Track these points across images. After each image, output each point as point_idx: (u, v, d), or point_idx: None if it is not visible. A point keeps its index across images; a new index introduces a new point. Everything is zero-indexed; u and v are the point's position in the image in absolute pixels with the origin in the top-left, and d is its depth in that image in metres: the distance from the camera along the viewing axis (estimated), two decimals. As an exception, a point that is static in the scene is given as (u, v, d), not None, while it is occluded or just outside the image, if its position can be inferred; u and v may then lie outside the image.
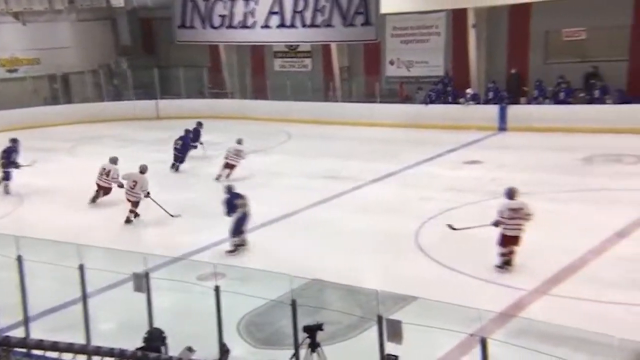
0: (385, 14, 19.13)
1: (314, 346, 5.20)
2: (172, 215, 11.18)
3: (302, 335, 5.23)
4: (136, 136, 19.42)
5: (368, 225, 10.27)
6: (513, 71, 18.20)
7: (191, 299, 7.01)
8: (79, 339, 5.91)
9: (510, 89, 17.93)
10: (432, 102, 18.48)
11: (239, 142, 14.34)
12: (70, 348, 2.43)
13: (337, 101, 20.84)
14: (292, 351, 5.40)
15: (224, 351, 5.79)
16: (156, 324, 5.69)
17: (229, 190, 9.88)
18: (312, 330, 5.17)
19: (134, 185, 11.24)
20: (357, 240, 9.62)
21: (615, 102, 15.98)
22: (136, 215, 11.17)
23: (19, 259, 6.25)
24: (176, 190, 13.09)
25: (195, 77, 22.99)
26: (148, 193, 11.25)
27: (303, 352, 5.24)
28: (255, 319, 7.05)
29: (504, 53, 18.48)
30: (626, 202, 10.28)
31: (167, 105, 22.56)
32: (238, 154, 14.07)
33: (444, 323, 5.16)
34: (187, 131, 15.59)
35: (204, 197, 12.41)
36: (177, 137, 15.27)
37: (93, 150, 17.59)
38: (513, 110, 17.15)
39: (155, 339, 4.81)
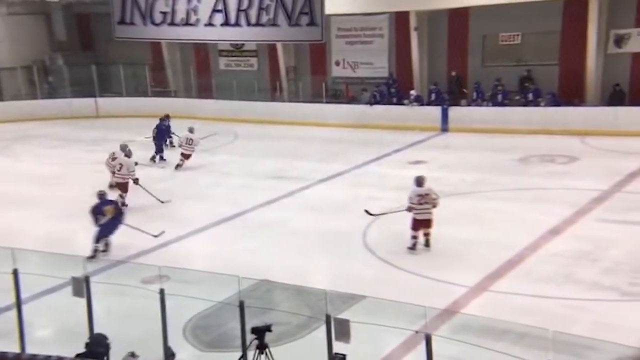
0: (330, 15, 19.28)
1: (262, 347, 5.18)
2: (162, 202, 11.37)
3: (250, 336, 5.20)
4: (73, 135, 18.67)
5: (316, 225, 10.33)
6: (453, 73, 18.79)
7: (135, 303, 6.81)
8: (13, 348, 5.63)
9: (451, 91, 18.51)
10: (376, 102, 18.79)
11: (191, 130, 14.61)
12: (3, 356, 2.32)
13: (284, 101, 20.82)
14: (240, 353, 5.35)
15: (169, 355, 5.67)
16: (97, 330, 5.48)
17: (100, 196, 9.50)
18: (260, 332, 5.15)
19: (120, 168, 11.51)
20: (306, 240, 9.66)
21: (547, 105, 16.81)
22: (123, 203, 11.03)
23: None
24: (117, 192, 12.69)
25: (137, 74, 22.33)
26: (136, 179, 11.48)
27: (251, 353, 5.20)
28: (201, 321, 6.94)
29: (444, 56, 19.05)
30: (559, 201, 10.83)
31: (106, 103, 21.82)
32: (190, 142, 14.41)
33: (390, 321, 5.27)
34: (161, 119, 15.73)
35: (145, 199, 12.07)
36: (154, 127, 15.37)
37: (27, 150, 16.78)
38: (454, 111, 17.71)
39: (98, 344, 4.64)
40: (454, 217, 10.24)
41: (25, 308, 6.03)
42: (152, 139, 15.49)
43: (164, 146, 15.63)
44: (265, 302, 6.87)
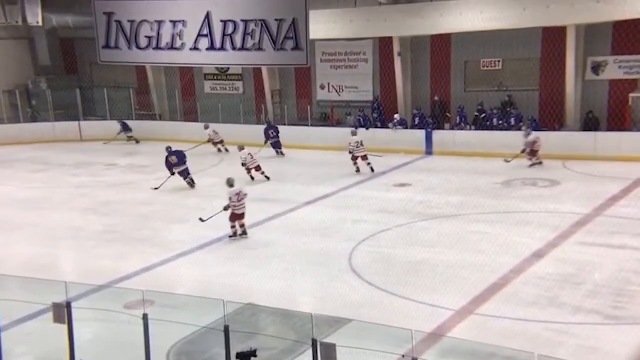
0: (315, 40, 19.54)
1: (248, 373, 5.10)
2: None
3: (236, 362, 5.13)
4: (57, 159, 18.47)
5: (302, 248, 10.29)
6: (436, 98, 19.09)
7: (118, 329, 6.68)
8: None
9: (434, 115, 18.77)
10: (361, 126, 18.96)
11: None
12: None
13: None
14: (226, 380, 5.27)
15: (153, 383, 5.55)
16: (79, 357, 5.37)
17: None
18: (246, 357, 5.08)
19: None
20: (292, 263, 9.61)
21: (528, 129, 17.11)
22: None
23: None
24: (98, 215, 12.55)
25: (122, 98, 22.29)
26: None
27: (237, 380, 5.12)
28: (186, 347, 6.82)
29: (427, 81, 19.37)
30: (542, 224, 10.96)
31: (90, 126, 21.70)
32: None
33: (377, 344, 5.24)
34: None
35: (128, 222, 11.96)
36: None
37: (10, 174, 16.54)
38: (438, 135, 17.94)
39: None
40: (439, 240, 10.30)
41: (3, 335, 5.88)
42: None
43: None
44: (251, 327, 6.78)
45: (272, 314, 7.26)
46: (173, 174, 14.69)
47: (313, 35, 18.76)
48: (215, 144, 18.88)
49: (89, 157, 18.62)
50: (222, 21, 20.52)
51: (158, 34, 21.22)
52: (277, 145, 18.15)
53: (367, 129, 18.71)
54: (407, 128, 18.68)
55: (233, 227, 10.88)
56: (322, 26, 18.61)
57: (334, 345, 4.82)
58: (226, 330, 5.24)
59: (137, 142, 20.79)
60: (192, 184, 14.84)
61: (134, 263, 9.67)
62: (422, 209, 12.15)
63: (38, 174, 16.72)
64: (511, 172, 15.08)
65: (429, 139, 17.94)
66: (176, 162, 14.80)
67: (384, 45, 19.38)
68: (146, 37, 21.41)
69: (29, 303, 5.95)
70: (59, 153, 19.32)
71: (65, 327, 5.61)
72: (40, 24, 21.78)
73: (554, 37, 17.18)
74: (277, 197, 13.66)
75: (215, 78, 22.57)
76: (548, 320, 7.35)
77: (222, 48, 20.66)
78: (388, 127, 18.76)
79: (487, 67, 18.66)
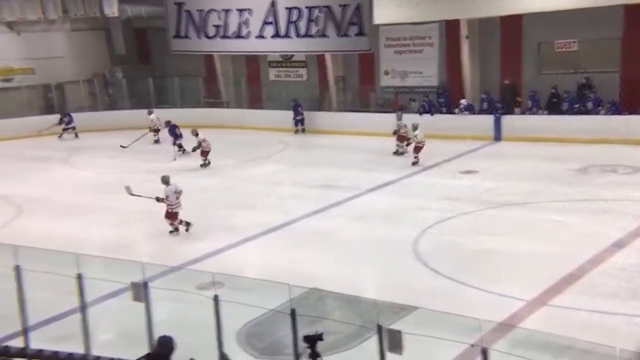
0: (378, 25, 19.26)
1: (314, 356, 5.15)
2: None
3: (302, 345, 5.19)
4: (131, 146, 19.31)
5: (366, 234, 10.26)
6: (506, 82, 18.34)
7: (190, 308, 6.95)
8: (78, 349, 5.84)
9: (504, 100, 18.06)
10: (425, 112, 18.57)
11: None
12: (70, 358, 2.41)
13: (332, 110, 20.91)
14: (293, 361, 5.35)
15: (224, 361, 5.73)
16: (156, 334, 5.62)
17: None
18: (312, 340, 5.13)
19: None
20: (355, 249, 9.61)
21: (607, 113, 16.12)
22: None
23: (17, 269, 6.17)
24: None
25: (191, 86, 22.98)
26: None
27: (303, 362, 5.19)
28: (254, 328, 7.00)
29: (497, 64, 18.62)
30: (623, 213, 10.33)
31: (162, 114, 22.52)
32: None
33: (444, 333, 5.14)
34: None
35: (196, 207, 12.33)
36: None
37: (88, 160, 17.52)
38: (507, 120, 17.26)
39: (164, 346, 4.79)
40: (508, 228, 9.96)
41: (88, 311, 6.26)
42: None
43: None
44: (316, 311, 6.84)
45: (336, 299, 7.29)
46: (178, 144, 16.93)
47: (377, 20, 18.82)
48: (156, 130, 19.26)
49: (159, 143, 19.37)
50: (286, 8, 20.91)
51: (225, 22, 21.96)
52: (302, 123, 19.74)
53: (431, 114, 18.31)
54: (473, 113, 18.11)
55: (172, 224, 10.69)
56: (386, 10, 18.33)
57: (399, 332, 4.77)
58: (293, 313, 5.31)
59: (76, 135, 20.86)
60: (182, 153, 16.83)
61: (203, 246, 10.00)
62: (489, 196, 11.77)
63: (113, 159, 17.59)
64: (588, 158, 14.29)
65: (497, 124, 17.31)
66: (180, 134, 16.90)
67: (450, 28, 18.79)
68: (214, 25, 22.22)
69: (110, 282, 6.27)
70: (133, 139, 20.18)
71: (143, 305, 5.89)
72: (116, 14, 22.82)
73: (636, 14, 16.00)
74: (340, 184, 13.67)
75: (280, 65, 22.78)
76: (630, 313, 6.93)
77: (287, 35, 21.06)
78: (454, 113, 18.25)
79: (562, 48, 17.67)
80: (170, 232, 10.74)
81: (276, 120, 20.50)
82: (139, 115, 21.80)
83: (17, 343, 6.07)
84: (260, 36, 21.36)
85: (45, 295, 6.92)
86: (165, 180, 10.84)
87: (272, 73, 23.01)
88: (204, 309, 5.84)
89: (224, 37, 21.95)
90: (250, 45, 21.73)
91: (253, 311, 6.48)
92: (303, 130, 19.81)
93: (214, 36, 22.18)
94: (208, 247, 9.82)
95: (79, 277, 6.02)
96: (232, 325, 6.53)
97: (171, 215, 10.76)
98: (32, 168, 16.28)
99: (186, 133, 16.59)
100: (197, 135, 15.71)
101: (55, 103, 22.26)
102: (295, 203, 12.45)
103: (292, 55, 22.17)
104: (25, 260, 6.21)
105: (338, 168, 15.14)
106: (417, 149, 15.00)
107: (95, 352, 5.64)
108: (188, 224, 10.77)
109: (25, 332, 6.30)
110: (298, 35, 20.66)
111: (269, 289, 6.35)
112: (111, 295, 7.02)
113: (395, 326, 5.09)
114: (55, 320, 7.12)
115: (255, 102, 22.15)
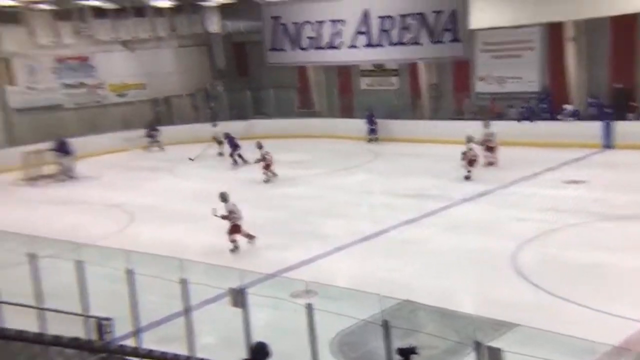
0: (475, 30, 18.66)
1: (408, 369, 5.03)
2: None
3: (395, 357, 5.09)
4: (227, 156, 20.12)
5: (460, 245, 9.91)
6: (618, 85, 16.99)
7: (285, 316, 7.07)
8: (183, 351, 6.10)
9: (615, 105, 16.74)
10: (525, 118, 17.67)
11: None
12: (177, 358, 2.51)
13: (424, 119, 20.54)
14: (385, 373, 5.26)
15: (318, 369, 5.74)
16: (253, 340, 5.78)
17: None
18: (407, 353, 5.01)
19: None
20: (449, 261, 9.31)
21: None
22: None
23: (129, 273, 6.62)
24: (263, 209, 13.39)
25: (285, 97, 23.63)
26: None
27: (396, 375, 5.07)
28: (347, 338, 6.97)
29: (606, 66, 17.33)
30: None
31: (257, 124, 23.34)
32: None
33: (548, 353, 4.80)
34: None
35: (289, 216, 12.58)
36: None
37: (190, 170, 18.49)
38: (620, 126, 15.96)
39: (260, 352, 4.89)
40: (621, 242, 9.17)
41: (192, 315, 6.53)
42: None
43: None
44: (409, 324, 6.70)
45: (431, 312, 7.09)
46: (238, 154, 17.87)
47: (474, 24, 18.25)
48: (219, 142, 19.54)
49: (255, 153, 20.01)
50: (379, 17, 20.89)
51: (319, 34, 22.39)
52: (374, 132, 20.06)
53: (531, 121, 17.39)
54: (579, 119, 16.96)
55: (234, 241, 10.40)
56: (484, 14, 17.75)
57: (499, 350, 4.53)
58: (385, 324, 5.23)
59: (162, 148, 21.60)
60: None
61: (296, 254, 10.14)
62: (599, 208, 10.92)
63: (212, 169, 18.45)
64: None
65: (607, 130, 16.07)
66: (238, 145, 17.86)
67: (553, 30, 17.79)
68: (308, 37, 22.74)
69: (211, 287, 6.54)
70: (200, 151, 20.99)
71: (241, 311, 6.08)
72: (218, 30, 24.05)
73: None
74: (431, 193, 13.35)
75: (371, 74, 22.80)
76: None
77: (379, 44, 21.02)
78: (557, 119, 17.21)
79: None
80: (231, 250, 10.39)
81: (366, 129, 20.48)
82: (236, 126, 22.74)
83: (130, 343, 6.49)
84: (353, 46, 21.53)
85: (154, 298, 7.35)
86: (224, 198, 10.58)
87: (364, 82, 23.07)
88: (297, 316, 5.92)
89: (318, 48, 22.38)
90: (342, 55, 21.96)
91: (345, 320, 6.47)
92: (376, 139, 19.95)
93: (308, 48, 22.69)
94: (301, 256, 9.95)
95: (183, 282, 6.34)
96: (325, 333, 6.56)
97: (235, 229, 10.48)
98: (142, 178, 17.45)
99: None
100: (260, 147, 15.81)
101: (162, 116, 23.79)
102: (386, 212, 12.32)
103: (384, 64, 22.11)
104: (137, 264, 6.66)
105: (430, 177, 14.81)
106: (472, 162, 14.27)
107: (198, 354, 5.88)
108: (251, 237, 10.61)
109: (137, 332, 6.75)
110: (391, 44, 20.56)
111: (361, 298, 6.32)
112: (212, 300, 7.29)
113: (494, 343, 4.85)
114: (162, 323, 7.47)
115: (346, 111, 22.31)
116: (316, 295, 6.47)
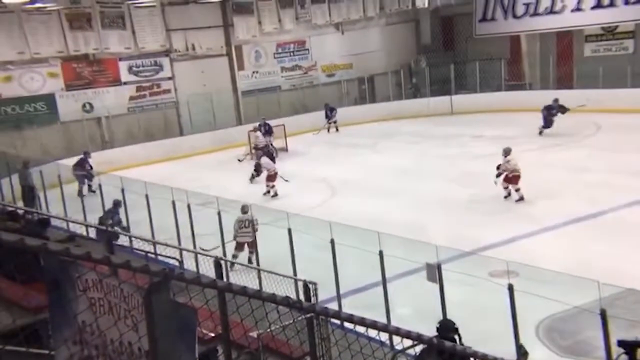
0: None
1: (632, 365, 4.33)
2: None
3: (616, 349, 4.43)
4: (429, 132, 19.84)
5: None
6: None
7: (481, 294, 6.74)
8: (380, 319, 6.19)
9: None
10: None
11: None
12: (375, 325, 2.55)
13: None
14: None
15: (522, 353, 5.40)
16: (449, 315, 5.66)
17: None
18: (631, 346, 4.31)
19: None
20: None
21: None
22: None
23: (332, 242, 7.05)
24: (466, 187, 12.84)
25: (491, 70, 22.27)
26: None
27: (617, 368, 4.42)
28: (556, 324, 6.41)
29: None
30: None
31: (460, 100, 22.49)
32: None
33: None
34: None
35: (490, 193, 11.82)
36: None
37: (391, 146, 18.71)
38: None
39: (448, 329, 4.76)
40: None
41: (388, 286, 6.70)
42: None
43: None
44: (633, 315, 5.80)
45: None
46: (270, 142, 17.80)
47: None
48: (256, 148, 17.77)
49: (457, 129, 19.35)
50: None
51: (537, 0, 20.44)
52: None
53: None
54: None
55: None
56: None
57: None
58: (603, 314, 4.60)
59: (337, 129, 21.29)
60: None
61: (496, 233, 9.59)
62: None
63: (413, 145, 18.34)
64: None
65: None
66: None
67: None
68: (524, 4, 20.98)
69: (407, 260, 6.57)
70: (431, 126, 20.70)
71: (436, 285, 5.98)
72: (426, 5, 23.68)
73: None
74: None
75: (599, 39, 20.05)
76: None
77: (611, 4, 18.32)
78: None
79: None
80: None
81: (589, 100, 18.13)
82: (437, 102, 22.23)
83: (332, 307, 6.88)
84: (578, 9, 19.20)
85: (353, 268, 7.67)
86: (244, 211, 9.38)
87: (589, 48, 20.45)
88: (496, 296, 5.59)
89: (534, 14, 20.53)
90: (564, 20, 19.78)
91: (552, 306, 5.88)
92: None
93: (523, 15, 20.96)
94: (499, 235, 9.36)
95: (380, 254, 6.52)
96: (528, 317, 6.07)
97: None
98: (346, 153, 18.24)
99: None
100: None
101: (367, 94, 24.48)
102: (605, 192, 10.82)
103: (617, 27, 19.23)
104: (338, 235, 7.03)
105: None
106: (513, 180, 11.33)
107: (394, 323, 5.96)
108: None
109: (338, 297, 7.19)
110: (626, 3, 17.82)
111: (572, 284, 5.66)
112: (408, 274, 7.34)
113: None
114: (361, 291, 7.76)
115: (562, 82, 20.07)
116: (517, 277, 5.98)
